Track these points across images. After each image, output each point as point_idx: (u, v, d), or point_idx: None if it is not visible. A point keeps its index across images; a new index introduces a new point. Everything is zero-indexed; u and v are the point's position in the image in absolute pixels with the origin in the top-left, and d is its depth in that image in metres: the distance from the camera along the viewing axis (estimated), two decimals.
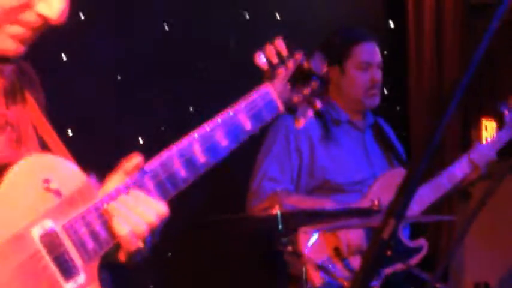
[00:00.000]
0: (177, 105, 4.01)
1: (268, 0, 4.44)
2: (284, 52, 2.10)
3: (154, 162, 1.85)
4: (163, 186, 1.85)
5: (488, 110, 4.30)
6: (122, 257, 1.86)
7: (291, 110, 2.10)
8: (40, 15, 1.71)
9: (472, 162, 3.73)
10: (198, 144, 1.89)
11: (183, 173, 1.86)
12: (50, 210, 1.72)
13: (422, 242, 3.58)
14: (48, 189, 1.72)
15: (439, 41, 4.77)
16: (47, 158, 1.78)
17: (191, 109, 4.05)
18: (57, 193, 1.73)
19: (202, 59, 4.06)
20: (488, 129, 5.17)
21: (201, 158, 1.89)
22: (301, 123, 2.14)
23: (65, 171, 1.77)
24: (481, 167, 3.73)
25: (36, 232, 1.70)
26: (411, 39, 4.82)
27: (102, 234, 1.77)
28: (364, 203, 3.51)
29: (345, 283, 3.09)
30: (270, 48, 2.09)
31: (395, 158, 3.85)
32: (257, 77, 4.24)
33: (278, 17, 4.40)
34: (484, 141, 3.84)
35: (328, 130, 3.59)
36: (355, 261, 3.38)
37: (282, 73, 2.08)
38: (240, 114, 1.97)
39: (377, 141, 3.86)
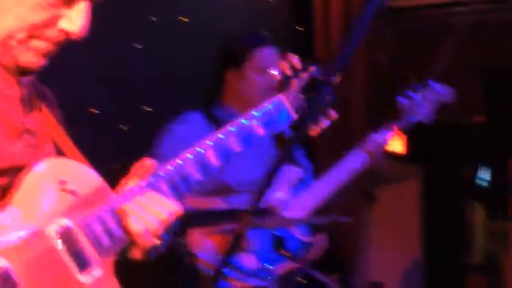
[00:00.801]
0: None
1: (174, 3, 4.43)
2: (297, 65, 2.27)
3: (168, 166, 1.98)
4: (177, 188, 1.98)
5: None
6: (137, 254, 1.98)
7: (305, 119, 2.24)
8: (62, 31, 1.82)
9: (368, 152, 3.77)
10: (212, 150, 2.05)
11: (196, 176, 2.01)
12: (66, 209, 1.83)
13: (319, 237, 3.61)
14: (64, 190, 1.83)
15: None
16: (63, 162, 1.90)
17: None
18: (73, 194, 1.85)
19: (114, 64, 4.04)
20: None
21: (215, 162, 2.05)
22: (316, 132, 2.28)
23: (81, 174, 1.89)
24: (377, 156, 3.79)
25: (52, 229, 1.80)
26: (318, 43, 4.87)
27: (117, 232, 1.88)
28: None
29: (235, 282, 3.10)
30: (283, 62, 2.27)
31: (292, 157, 3.85)
32: (168, 79, 4.17)
33: (185, 20, 4.40)
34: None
35: None
36: (245, 260, 3.39)
37: (295, 84, 2.24)
38: (253, 122, 2.14)
39: (274, 142, 3.87)
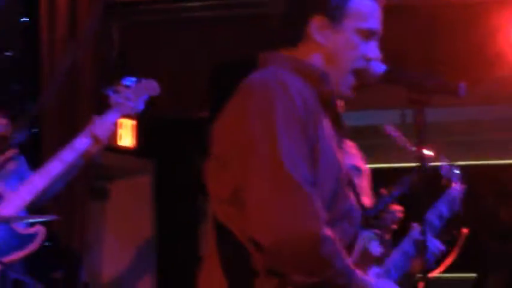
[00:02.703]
0: None
1: None
2: None
3: None
4: None
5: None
6: None
7: None
8: None
9: (93, 135, 3.75)
10: None
11: None
12: None
13: (38, 228, 3.54)
14: None
15: (73, 39, 4.80)
16: None
17: None
18: None
19: None
20: (124, 127, 5.29)
21: None
22: None
23: None
24: (101, 139, 3.77)
25: None
26: (44, 35, 4.78)
27: None
28: None
29: None
30: None
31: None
32: None
33: None
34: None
35: None
36: None
37: None
38: None
39: None
